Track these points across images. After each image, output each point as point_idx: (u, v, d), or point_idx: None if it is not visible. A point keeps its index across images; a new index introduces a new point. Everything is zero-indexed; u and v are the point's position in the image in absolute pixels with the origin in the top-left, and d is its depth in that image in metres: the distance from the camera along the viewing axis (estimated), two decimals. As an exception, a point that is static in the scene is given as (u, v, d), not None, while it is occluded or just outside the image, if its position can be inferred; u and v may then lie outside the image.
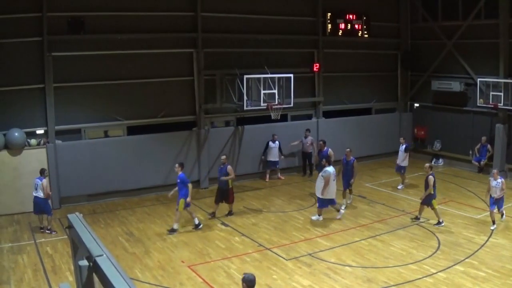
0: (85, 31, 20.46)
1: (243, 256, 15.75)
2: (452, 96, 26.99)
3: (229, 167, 19.47)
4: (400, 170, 23.79)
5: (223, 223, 18.99)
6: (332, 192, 18.87)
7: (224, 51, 23.84)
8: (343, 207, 20.12)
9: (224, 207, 19.83)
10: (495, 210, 18.14)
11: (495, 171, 18.73)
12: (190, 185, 18.09)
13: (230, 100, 22.93)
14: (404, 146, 23.82)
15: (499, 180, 18.10)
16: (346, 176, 20.89)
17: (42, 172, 17.85)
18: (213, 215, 19.64)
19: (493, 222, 17.94)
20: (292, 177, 25.69)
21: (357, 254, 15.78)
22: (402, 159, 23.63)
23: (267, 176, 25.30)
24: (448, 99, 27.39)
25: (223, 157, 20.04)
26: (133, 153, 22.19)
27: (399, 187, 23.61)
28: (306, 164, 26.39)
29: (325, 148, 22.46)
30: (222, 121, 25.01)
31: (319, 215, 19.13)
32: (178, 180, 18.11)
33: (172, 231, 17.87)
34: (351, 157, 21.12)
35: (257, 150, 24.79)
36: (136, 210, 20.60)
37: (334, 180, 18.90)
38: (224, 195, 19.55)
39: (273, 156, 24.90)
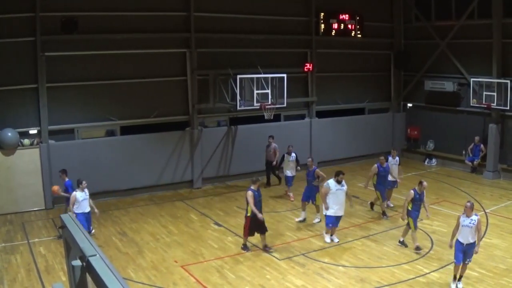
0: (78, 31, 20.38)
1: (236, 256, 15.75)
2: (445, 96, 27.06)
3: (249, 192, 15.97)
4: (395, 185, 20.64)
5: (216, 223, 18.97)
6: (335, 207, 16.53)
7: (217, 51, 23.83)
8: (300, 219, 19.15)
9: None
10: (461, 264, 13.30)
11: (468, 204, 13.32)
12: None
13: (223, 100, 22.91)
14: (397, 158, 21.10)
15: (474, 218, 13.07)
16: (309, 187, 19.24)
17: (78, 183, 16.36)
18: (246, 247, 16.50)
19: (455, 278, 13.45)
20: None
21: (350, 254, 15.81)
22: (398, 172, 20.89)
23: (291, 194, 22.16)
24: (441, 99, 27.47)
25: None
26: (126, 153, 22.16)
27: (391, 204, 20.70)
28: (270, 174, 24.18)
29: (313, 166, 19.55)
30: (215, 121, 24.97)
31: (326, 233, 17.18)
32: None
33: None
34: (313, 167, 19.43)
35: (250, 150, 24.76)
36: (129, 210, 20.58)
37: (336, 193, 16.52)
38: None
39: (290, 170, 22.04)
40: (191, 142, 23.66)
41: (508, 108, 23.49)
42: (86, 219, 15.89)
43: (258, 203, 15.87)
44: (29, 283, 13.75)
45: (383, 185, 19.52)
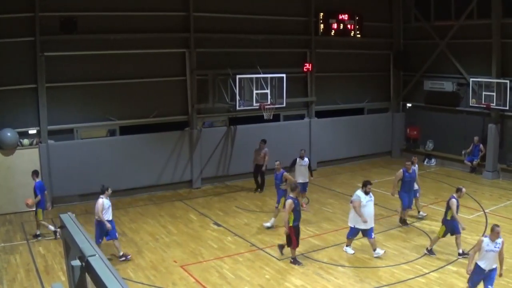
0: (77, 31, 20.40)
1: (235, 256, 15.75)
2: (445, 96, 27.06)
3: (289, 201, 15.01)
4: (417, 194, 19.19)
5: (215, 223, 18.97)
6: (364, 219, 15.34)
7: (216, 51, 23.82)
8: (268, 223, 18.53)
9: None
10: None
11: (497, 228, 11.78)
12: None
13: (223, 100, 22.91)
14: (416, 166, 19.28)
15: (499, 241, 11.70)
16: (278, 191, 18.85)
17: (103, 189, 15.55)
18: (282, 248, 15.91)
19: None
20: (285, 177, 25.65)
21: (350, 254, 15.81)
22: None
23: (304, 203, 20.45)
24: (440, 99, 27.46)
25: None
26: (126, 153, 22.15)
27: (423, 214, 19.27)
28: (258, 178, 23.39)
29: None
30: (214, 120, 24.95)
31: (347, 245, 16.11)
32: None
33: (35, 236, 17.23)
34: (281, 170, 19.06)
35: (249, 150, 24.73)
36: (129, 210, 20.57)
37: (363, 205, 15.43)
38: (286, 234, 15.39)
39: (302, 176, 20.47)
40: (191, 142, 23.65)
41: (507, 108, 23.50)
42: (113, 227, 15.40)
43: (297, 212, 15.02)
44: (28, 283, 13.74)
45: (408, 193, 18.23)
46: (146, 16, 22.12)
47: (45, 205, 17.32)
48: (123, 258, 15.28)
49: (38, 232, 17.19)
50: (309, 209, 20.44)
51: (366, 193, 15.44)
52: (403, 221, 18.42)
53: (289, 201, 14.85)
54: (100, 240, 15.13)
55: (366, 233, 15.51)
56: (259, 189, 23.28)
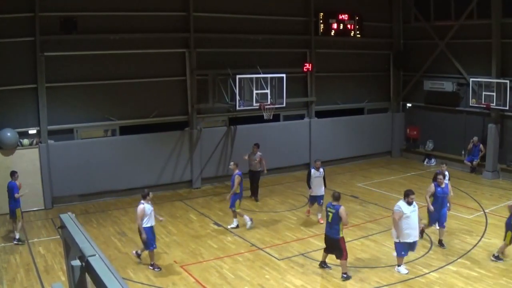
0: (77, 31, 20.44)
1: (235, 256, 15.75)
2: (445, 96, 27.06)
3: (341, 208, 14.06)
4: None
5: (215, 223, 18.96)
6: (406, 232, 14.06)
7: (216, 51, 23.84)
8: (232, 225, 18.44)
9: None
10: None
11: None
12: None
13: (223, 100, 22.91)
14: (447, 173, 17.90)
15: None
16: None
17: (145, 195, 14.76)
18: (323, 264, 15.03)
19: None
20: (284, 177, 25.68)
21: (350, 254, 15.68)
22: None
23: (309, 210, 19.75)
24: (440, 99, 27.47)
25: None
26: (126, 153, 22.16)
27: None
28: (254, 186, 22.43)
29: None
30: (214, 121, 24.93)
31: (399, 265, 14.53)
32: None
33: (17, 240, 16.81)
34: (236, 171, 18.46)
35: (249, 150, 24.73)
36: (129, 210, 20.55)
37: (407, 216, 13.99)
38: (334, 246, 14.34)
39: (317, 188, 18.96)
40: (190, 142, 23.65)
41: (507, 108, 23.50)
42: (153, 233, 14.91)
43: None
44: (28, 283, 13.74)
45: (438, 210, 16.17)
46: (146, 16, 22.13)
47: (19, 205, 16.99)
48: (152, 268, 14.72)
49: (17, 236, 16.87)
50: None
51: (409, 203, 14.03)
52: (421, 232, 16.10)
53: (343, 208, 13.96)
54: (154, 246, 14.80)
55: (411, 247, 14.36)
56: (253, 197, 22.16)
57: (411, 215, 13.97)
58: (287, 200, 21.88)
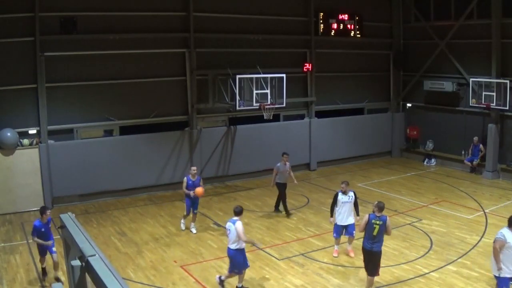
0: (77, 31, 20.45)
1: (235, 256, 15.73)
2: (445, 96, 27.06)
3: (388, 218, 13.01)
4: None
5: (215, 223, 18.96)
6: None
7: (216, 51, 23.84)
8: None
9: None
10: None
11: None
12: None
13: (223, 100, 22.89)
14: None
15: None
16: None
17: (237, 212, 13.31)
18: None
19: None
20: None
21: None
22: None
23: (337, 248, 15.71)
24: (440, 99, 27.48)
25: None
26: (126, 153, 22.16)
27: None
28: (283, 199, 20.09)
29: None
30: (214, 121, 24.92)
31: None
32: None
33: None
34: (197, 177, 18.06)
35: (249, 150, 24.79)
36: (129, 210, 20.57)
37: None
38: (374, 260, 13.02)
39: (345, 216, 15.37)
40: (190, 142, 23.65)
41: (507, 108, 23.48)
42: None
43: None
44: (28, 283, 13.74)
45: None
46: (146, 16, 22.13)
47: None
48: None
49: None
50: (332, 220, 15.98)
51: None
52: None
53: (389, 219, 12.96)
54: (248, 264, 13.52)
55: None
56: (287, 212, 19.89)
57: None
58: (287, 200, 21.84)
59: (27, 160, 20.06)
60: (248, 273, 14.43)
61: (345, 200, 15.30)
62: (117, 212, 20.43)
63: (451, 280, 13.70)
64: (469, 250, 15.78)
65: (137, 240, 17.23)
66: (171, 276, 14.30)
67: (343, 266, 14.96)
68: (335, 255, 15.55)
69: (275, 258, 15.59)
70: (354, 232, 15.37)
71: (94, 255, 4.39)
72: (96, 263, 4.29)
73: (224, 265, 14.96)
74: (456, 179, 24.80)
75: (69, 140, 21.23)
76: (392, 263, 14.94)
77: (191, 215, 18.00)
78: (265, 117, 22.84)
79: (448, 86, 26.63)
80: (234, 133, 24.83)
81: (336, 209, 15.47)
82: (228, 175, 24.90)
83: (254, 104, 22.13)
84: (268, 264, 15.15)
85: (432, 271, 14.33)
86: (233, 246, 13.02)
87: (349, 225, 15.39)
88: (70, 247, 5.03)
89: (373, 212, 12.78)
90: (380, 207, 12.76)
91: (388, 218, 12.86)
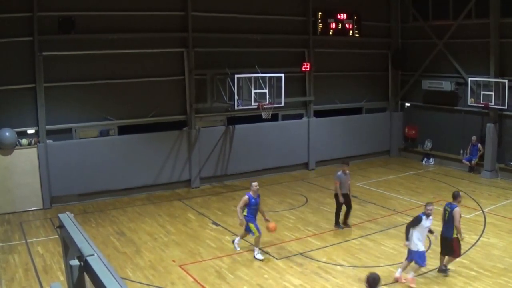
0: (76, 30, 20.42)
1: (234, 256, 15.73)
2: (443, 95, 27.07)
3: (456, 208, 13.55)
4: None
5: (214, 223, 18.96)
6: None
7: (215, 50, 23.82)
8: None
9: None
10: None
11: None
12: None
13: (221, 99, 22.89)
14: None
15: None
16: None
17: (455, 196, 13.97)
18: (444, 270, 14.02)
19: None
20: (282, 177, 25.68)
21: (348, 254, 15.80)
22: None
23: (401, 276, 13.72)
24: (439, 98, 27.49)
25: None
26: (124, 152, 22.14)
27: None
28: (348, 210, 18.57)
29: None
30: (212, 120, 24.90)
31: None
32: None
33: None
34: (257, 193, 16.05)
35: (247, 149, 24.77)
36: (127, 210, 20.56)
37: None
38: (448, 245, 13.84)
39: (418, 241, 13.47)
40: (189, 141, 23.63)
41: (505, 107, 23.52)
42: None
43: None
44: (27, 283, 13.72)
45: None
46: (144, 15, 22.11)
47: None
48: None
49: None
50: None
51: None
52: None
53: (456, 209, 13.46)
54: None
55: None
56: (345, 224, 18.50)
57: None
58: (285, 199, 21.87)
59: (25, 160, 20.05)
60: (247, 272, 14.46)
61: (428, 225, 13.60)
62: (115, 211, 20.43)
63: (450, 280, 13.70)
64: (468, 250, 15.78)
65: (135, 239, 17.22)
66: (169, 276, 14.30)
67: (342, 265, 14.96)
68: (403, 280, 13.63)
69: (274, 257, 15.59)
70: (424, 261, 13.62)
71: (93, 254, 4.39)
72: (95, 263, 4.29)
73: (223, 265, 14.99)
74: (454, 179, 24.82)
75: (67, 140, 21.21)
76: (390, 262, 14.95)
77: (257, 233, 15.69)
78: (263, 117, 22.85)
79: (446, 85, 26.64)
80: (233, 133, 24.83)
81: (415, 233, 13.48)
82: (227, 174, 24.89)
83: (253, 103, 22.12)
84: (267, 263, 15.14)
85: (431, 270, 14.33)
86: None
87: (423, 251, 13.68)
88: (69, 247, 5.03)
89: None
90: (454, 195, 14.08)
91: (457, 209, 13.70)
